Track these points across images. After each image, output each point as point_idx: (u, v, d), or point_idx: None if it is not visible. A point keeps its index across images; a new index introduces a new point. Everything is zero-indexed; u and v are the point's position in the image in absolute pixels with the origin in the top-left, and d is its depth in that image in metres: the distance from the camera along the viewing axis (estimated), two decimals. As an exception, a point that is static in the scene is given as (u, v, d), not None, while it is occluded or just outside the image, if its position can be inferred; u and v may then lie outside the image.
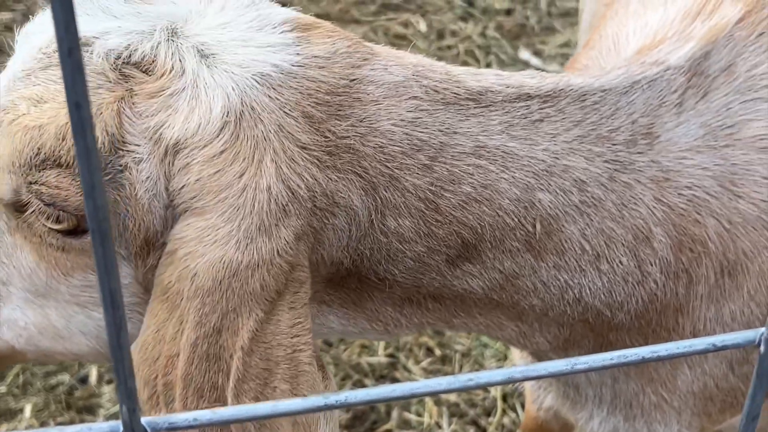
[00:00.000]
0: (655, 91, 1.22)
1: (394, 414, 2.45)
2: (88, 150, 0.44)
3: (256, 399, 1.06)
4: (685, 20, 1.33)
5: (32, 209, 1.07)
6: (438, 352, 2.58)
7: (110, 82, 1.05)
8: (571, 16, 3.74)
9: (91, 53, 1.05)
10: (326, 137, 1.07)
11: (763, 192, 1.25)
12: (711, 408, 1.40)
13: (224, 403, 1.05)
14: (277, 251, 1.04)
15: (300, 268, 1.08)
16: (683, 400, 1.37)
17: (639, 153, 1.21)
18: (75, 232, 1.08)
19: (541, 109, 1.17)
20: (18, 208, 1.09)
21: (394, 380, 2.53)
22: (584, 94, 1.20)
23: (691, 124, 1.24)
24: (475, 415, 2.47)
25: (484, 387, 0.57)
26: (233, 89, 1.05)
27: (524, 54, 3.56)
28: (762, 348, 0.63)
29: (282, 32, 1.10)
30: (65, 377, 2.49)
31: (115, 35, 1.06)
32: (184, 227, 1.04)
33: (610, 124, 1.20)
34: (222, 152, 1.03)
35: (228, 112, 1.04)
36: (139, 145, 1.04)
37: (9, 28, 3.62)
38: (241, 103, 1.04)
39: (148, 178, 1.05)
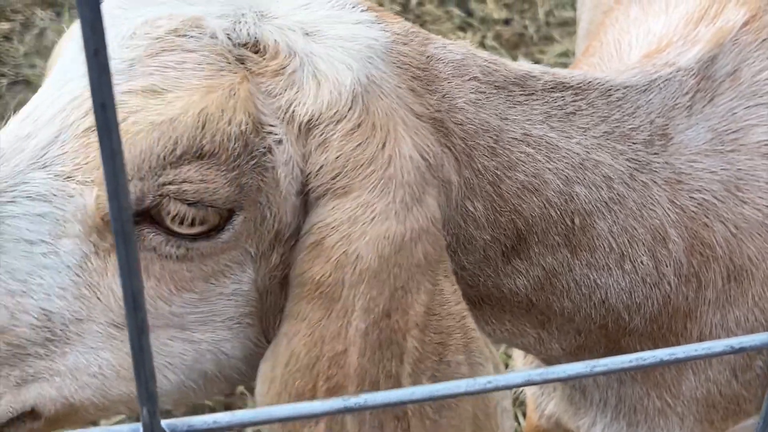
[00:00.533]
0: (669, 92, 1.23)
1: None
2: (114, 152, 0.44)
3: (433, 378, 1.01)
4: (688, 25, 1.33)
5: (156, 216, 0.97)
6: (439, 360, 2.57)
7: (230, 63, 0.98)
8: (569, 25, 3.75)
9: (211, 35, 0.99)
10: (428, 110, 1.06)
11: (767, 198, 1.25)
12: (714, 415, 1.40)
13: None
14: (431, 219, 1.01)
15: (443, 236, 1.04)
16: (687, 406, 1.37)
17: (655, 154, 1.22)
18: (207, 233, 0.99)
19: (574, 101, 1.17)
20: None
21: (395, 389, 2.52)
22: (609, 89, 1.20)
23: (700, 127, 1.24)
24: (477, 423, 2.46)
25: (503, 389, 0.57)
26: (352, 62, 1.01)
27: (523, 63, 3.57)
28: (778, 350, 0.63)
29: (362, 11, 1.07)
30: (65, 387, 2.48)
31: (212, 18, 1.00)
32: (329, 212, 0.98)
33: (632, 122, 1.21)
34: (359, 125, 0.99)
35: (355, 85, 1.00)
36: (274, 125, 0.98)
37: (8, 39, 3.62)
38: (365, 75, 1.02)
39: (287, 160, 0.98)
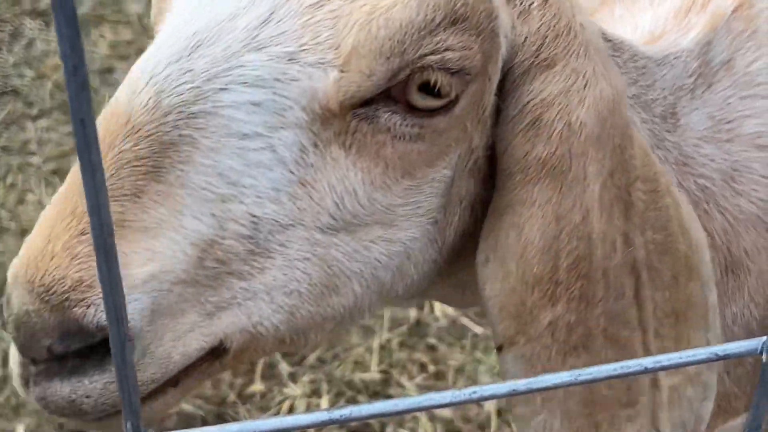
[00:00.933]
0: (678, 71, 1.24)
1: (389, 430, 2.45)
2: (93, 167, 0.44)
3: (653, 227, 1.02)
4: (678, 16, 1.34)
5: (398, 93, 0.91)
6: (432, 368, 2.58)
7: None
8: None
9: None
10: None
11: (761, 191, 1.26)
12: (705, 413, 1.40)
13: (632, 248, 1.00)
14: (622, 80, 1.03)
15: None
16: (680, 404, 1.37)
17: (668, 131, 1.22)
18: (446, 106, 0.94)
19: (613, 56, 1.17)
20: (364, 102, 0.91)
21: (388, 397, 2.52)
22: (635, 55, 1.21)
23: (700, 112, 1.25)
24: (469, 430, 2.46)
25: (488, 399, 0.57)
26: None
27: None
28: (765, 357, 0.63)
29: None
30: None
31: None
32: (540, 86, 0.98)
33: (651, 93, 1.21)
34: None
35: None
36: None
37: (-3, 49, 3.61)
38: None
39: (504, 27, 0.97)
